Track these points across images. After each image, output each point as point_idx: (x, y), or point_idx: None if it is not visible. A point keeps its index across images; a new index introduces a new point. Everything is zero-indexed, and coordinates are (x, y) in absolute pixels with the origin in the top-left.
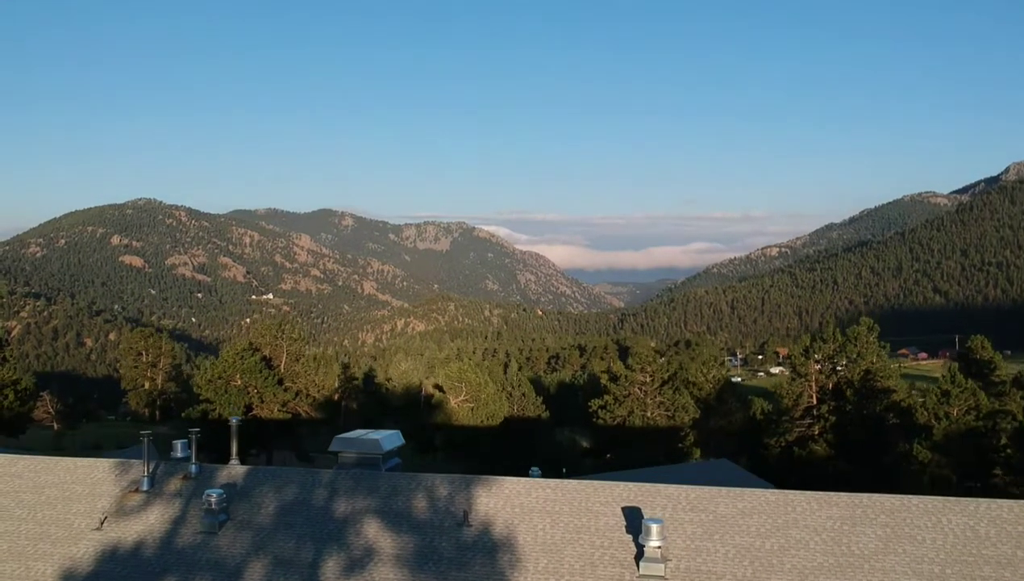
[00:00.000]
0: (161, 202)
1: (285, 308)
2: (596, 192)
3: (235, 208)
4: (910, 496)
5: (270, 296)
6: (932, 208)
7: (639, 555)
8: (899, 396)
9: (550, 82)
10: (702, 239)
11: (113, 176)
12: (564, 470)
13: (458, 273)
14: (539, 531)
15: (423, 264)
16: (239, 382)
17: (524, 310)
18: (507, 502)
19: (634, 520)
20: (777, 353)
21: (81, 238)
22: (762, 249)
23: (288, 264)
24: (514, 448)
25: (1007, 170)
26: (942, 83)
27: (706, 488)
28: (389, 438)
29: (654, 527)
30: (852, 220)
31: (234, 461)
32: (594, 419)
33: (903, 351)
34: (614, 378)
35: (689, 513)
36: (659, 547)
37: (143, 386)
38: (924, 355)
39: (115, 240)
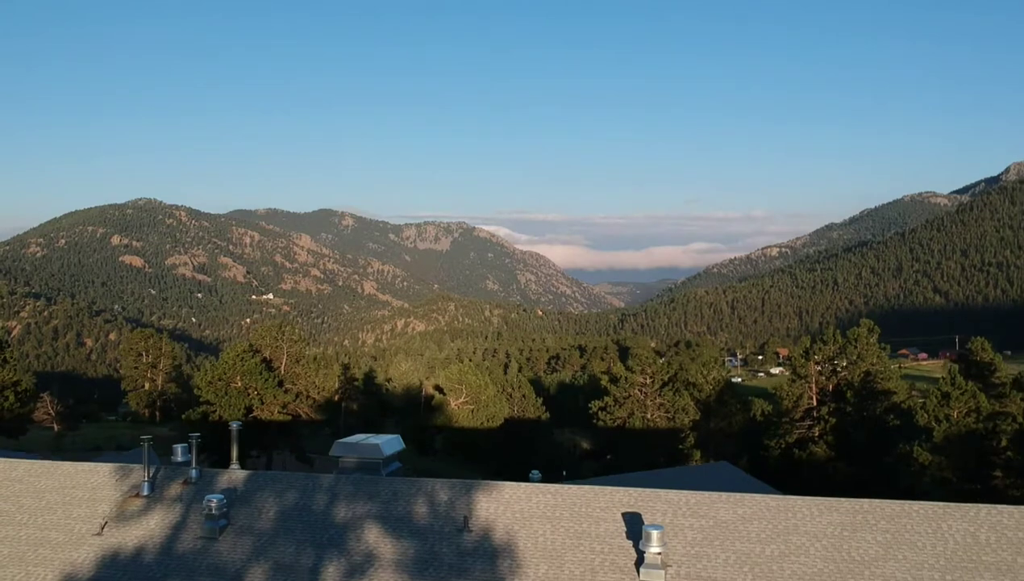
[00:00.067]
0: (161, 202)
1: (285, 308)
2: (596, 192)
3: (235, 208)
4: (910, 502)
5: (270, 296)
6: (932, 208)
7: (639, 561)
8: (899, 398)
9: (550, 81)
10: (702, 239)
11: (113, 176)
12: (564, 473)
13: (458, 273)
14: (539, 537)
15: (423, 264)
16: (239, 384)
17: (524, 310)
18: (507, 507)
19: (634, 526)
20: (777, 353)
21: (81, 238)
22: (762, 249)
23: (288, 264)
24: (514, 450)
25: (1007, 170)
26: (942, 83)
27: (706, 493)
28: (389, 443)
29: (654, 533)
30: (852, 220)
31: (234, 466)
32: (594, 421)
33: (903, 351)
34: (614, 380)
35: (689, 519)
36: (659, 553)
37: (143, 387)
38: (924, 355)
39: (115, 240)
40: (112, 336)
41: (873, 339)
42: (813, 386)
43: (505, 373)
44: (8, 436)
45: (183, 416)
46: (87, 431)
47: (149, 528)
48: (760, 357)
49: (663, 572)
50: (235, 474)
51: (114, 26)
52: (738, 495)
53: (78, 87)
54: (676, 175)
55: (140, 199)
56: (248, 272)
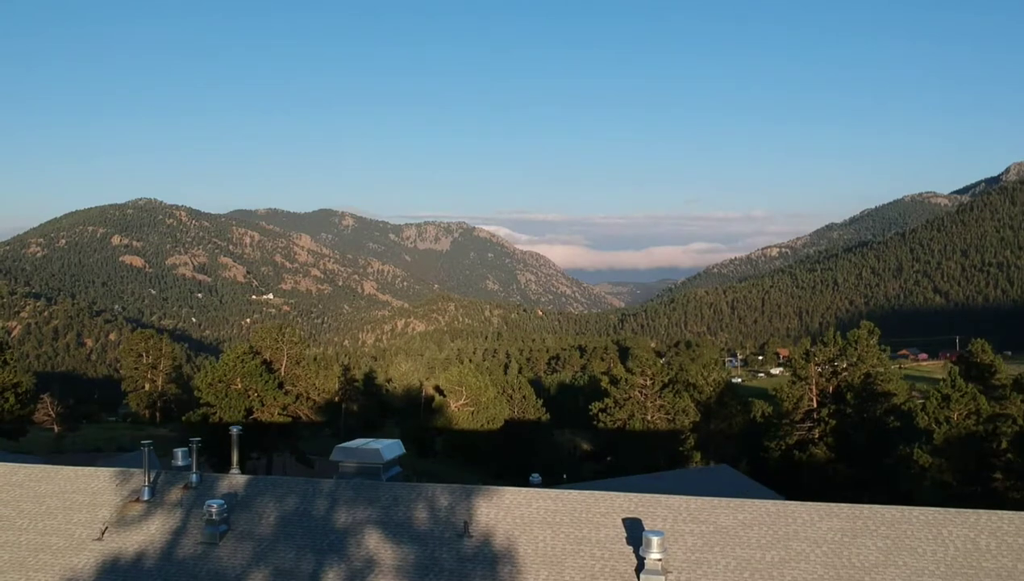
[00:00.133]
0: (162, 202)
1: (285, 308)
2: (596, 192)
3: (235, 208)
4: (910, 508)
5: (270, 296)
6: (932, 208)
7: (639, 567)
8: (899, 400)
9: (550, 81)
10: (702, 239)
11: (113, 176)
12: (564, 476)
13: (458, 273)
14: (540, 543)
15: (423, 264)
16: (239, 386)
17: (524, 310)
18: (508, 513)
19: (635, 531)
20: (777, 354)
21: (82, 238)
22: (762, 249)
23: (288, 264)
24: (514, 452)
25: (1007, 170)
26: (942, 83)
27: (707, 499)
28: (390, 447)
29: (655, 539)
30: (853, 220)
31: (235, 470)
32: (594, 422)
33: (903, 352)
34: (614, 381)
35: (690, 524)
36: (659, 559)
37: (144, 388)
38: (924, 356)
39: (115, 240)
40: (112, 336)
41: (873, 341)
42: (813, 388)
43: (505, 374)
44: (8, 438)
45: (183, 418)
46: (87, 432)
47: (150, 533)
48: (760, 357)
49: (663, 578)
50: (235, 479)
51: (114, 26)
52: (738, 500)
53: (78, 87)
54: (676, 175)
55: (140, 199)
56: (248, 272)
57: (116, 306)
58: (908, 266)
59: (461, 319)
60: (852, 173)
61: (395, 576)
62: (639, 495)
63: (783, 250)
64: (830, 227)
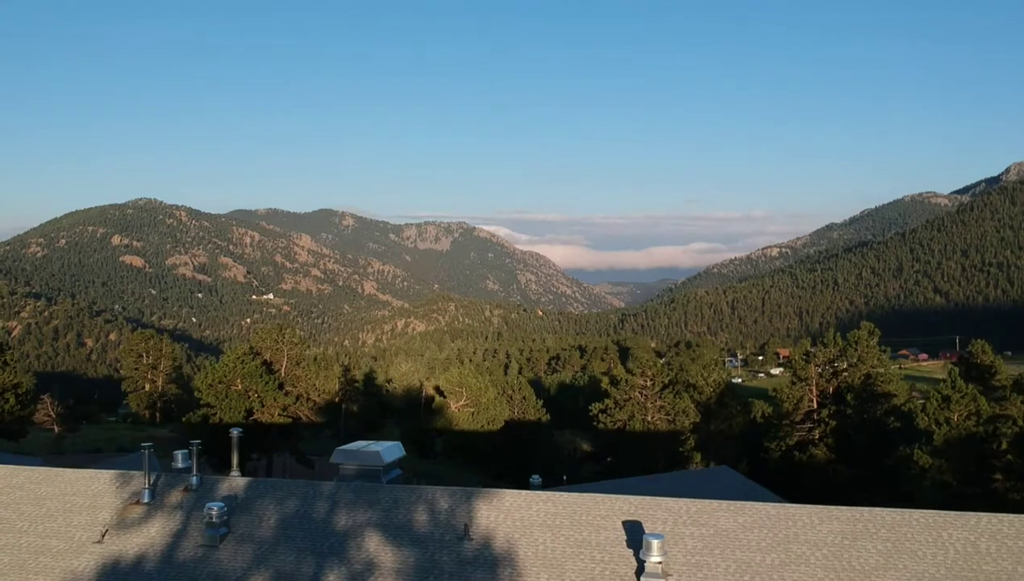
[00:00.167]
0: (162, 202)
1: (285, 308)
2: (596, 192)
3: (235, 208)
4: (910, 510)
5: (270, 296)
6: (933, 208)
7: (640, 570)
8: (899, 401)
9: (550, 81)
10: (703, 239)
11: (113, 176)
12: (565, 478)
13: (458, 273)
14: (540, 545)
15: (423, 264)
16: (240, 386)
17: (524, 310)
18: (508, 516)
19: (635, 534)
20: (778, 354)
21: (82, 238)
22: (763, 249)
23: (288, 264)
24: (515, 453)
25: (1007, 170)
26: (942, 83)
27: (707, 501)
28: (390, 450)
29: (655, 542)
30: (853, 220)
31: (235, 473)
32: (594, 423)
33: (904, 352)
34: (615, 382)
35: (690, 527)
36: (660, 562)
37: (144, 388)
38: (925, 356)
39: (116, 240)
40: (112, 336)
41: (873, 342)
42: (813, 388)
43: (505, 374)
44: (8, 439)
45: (183, 419)
46: (87, 433)
47: (150, 536)
48: (760, 358)
49: None
50: (235, 481)
51: (114, 26)
52: (739, 503)
53: (78, 87)
54: (676, 175)
55: (140, 199)
56: (248, 272)
57: (116, 306)
58: (908, 266)
59: (461, 319)
60: (852, 173)
61: (395, 579)
62: (639, 498)
63: (783, 250)
64: (830, 227)
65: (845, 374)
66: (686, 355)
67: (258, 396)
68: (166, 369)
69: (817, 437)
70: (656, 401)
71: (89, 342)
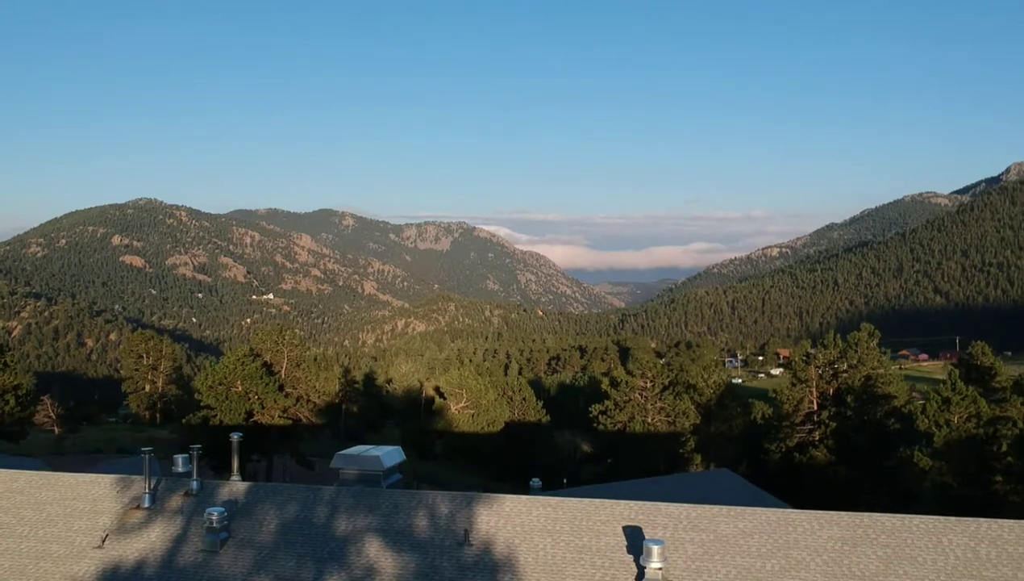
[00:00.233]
0: (162, 202)
1: (285, 308)
2: (596, 192)
3: (236, 208)
4: (910, 516)
5: (271, 296)
6: (933, 208)
7: (640, 576)
8: (900, 402)
9: (550, 81)
10: (703, 239)
11: (114, 176)
12: (565, 481)
13: (458, 273)
14: (540, 551)
15: (424, 264)
16: (240, 388)
17: (525, 310)
18: (508, 521)
19: (635, 540)
20: (778, 354)
21: (82, 238)
22: (763, 249)
23: (289, 264)
24: (515, 454)
25: (1008, 170)
26: (942, 83)
27: (707, 507)
28: (390, 454)
29: (655, 548)
30: (853, 220)
31: (235, 477)
32: (595, 424)
33: (904, 352)
34: (615, 383)
35: (690, 532)
36: (660, 568)
37: (144, 389)
38: (925, 356)
39: (116, 240)
40: (113, 336)
41: (874, 343)
42: (813, 390)
43: (506, 374)
44: (8, 440)
45: (184, 420)
46: (87, 434)
47: (150, 541)
48: (760, 358)
49: None
50: (236, 486)
51: (114, 26)
52: (739, 509)
53: (78, 87)
54: (676, 175)
55: (140, 199)
56: (248, 272)
57: (116, 306)
58: (908, 266)
59: (461, 319)
60: (852, 173)
61: None
62: (639, 503)
63: (783, 250)
64: (830, 227)
65: (845, 376)
66: (686, 355)
67: (258, 398)
68: (166, 370)
69: (817, 439)
70: (656, 403)
71: (89, 342)
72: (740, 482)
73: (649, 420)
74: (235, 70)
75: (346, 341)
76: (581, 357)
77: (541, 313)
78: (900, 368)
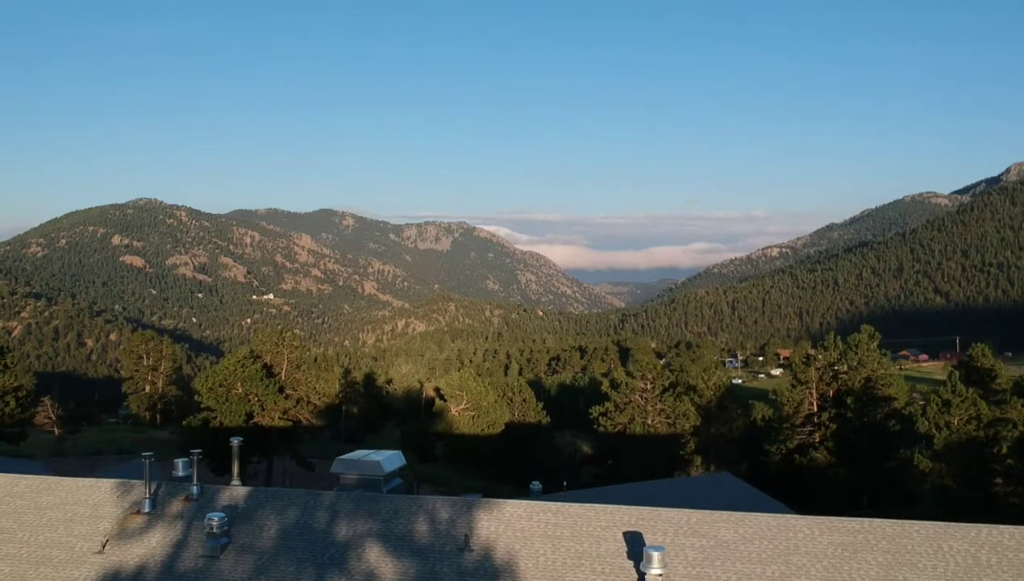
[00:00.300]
0: (162, 202)
1: (286, 308)
2: (596, 192)
3: (236, 208)
4: (911, 522)
5: (271, 296)
6: (933, 208)
7: None
8: (900, 404)
9: (550, 81)
10: (703, 239)
11: (114, 176)
12: (565, 484)
13: (459, 273)
14: (540, 557)
15: (424, 264)
16: (240, 390)
17: (525, 310)
18: (508, 526)
19: (635, 545)
20: (778, 354)
21: (82, 238)
22: (763, 249)
23: (289, 264)
24: (515, 456)
25: (1008, 170)
26: (942, 83)
27: (707, 512)
28: (390, 459)
29: (655, 554)
30: (853, 220)
31: (235, 482)
32: (595, 426)
33: (904, 352)
34: (615, 385)
35: (690, 538)
36: (660, 574)
37: (144, 389)
38: (925, 357)
39: (116, 240)
40: (113, 336)
41: (874, 345)
42: (814, 392)
43: (506, 374)
44: (9, 441)
45: (184, 422)
46: (88, 434)
47: (150, 546)
48: (761, 358)
49: None
50: (236, 491)
51: (114, 26)
52: (739, 514)
53: (78, 87)
54: (676, 175)
55: (140, 199)
56: (248, 272)
57: (116, 306)
58: (908, 266)
59: (461, 319)
60: (852, 173)
61: None
62: (640, 508)
63: (783, 250)
64: (830, 227)
65: (845, 377)
66: (686, 356)
67: (258, 399)
68: (166, 370)
69: (817, 440)
70: (656, 404)
71: (89, 342)
72: (740, 485)
73: (649, 422)
74: (235, 70)
75: (346, 341)
76: (581, 357)
77: (541, 313)
78: (900, 369)
